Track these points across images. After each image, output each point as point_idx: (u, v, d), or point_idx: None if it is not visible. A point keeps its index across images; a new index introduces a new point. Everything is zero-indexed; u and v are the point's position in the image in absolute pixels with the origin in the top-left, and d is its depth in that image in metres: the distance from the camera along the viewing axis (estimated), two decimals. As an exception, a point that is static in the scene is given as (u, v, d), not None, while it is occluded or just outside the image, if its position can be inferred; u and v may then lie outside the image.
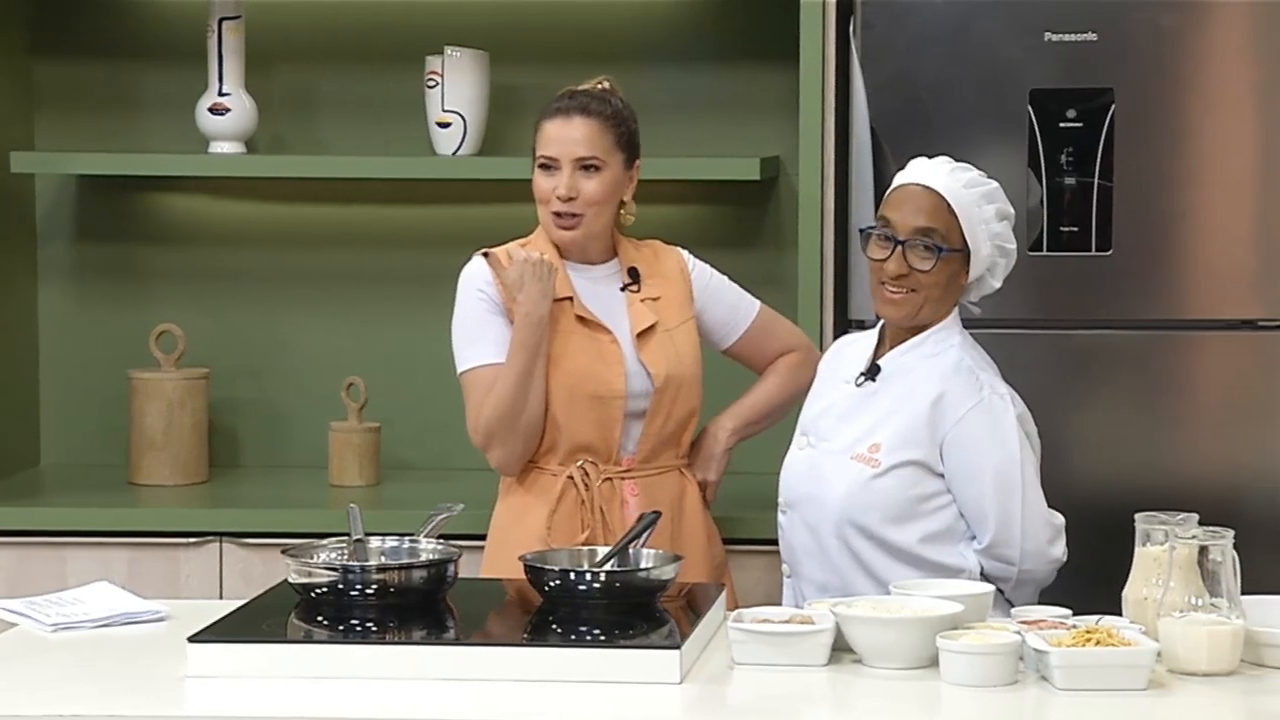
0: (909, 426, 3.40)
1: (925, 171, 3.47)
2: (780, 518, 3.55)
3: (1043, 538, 3.42)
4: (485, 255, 3.61)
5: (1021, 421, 3.43)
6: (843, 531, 3.41)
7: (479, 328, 3.58)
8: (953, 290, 3.46)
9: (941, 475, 3.41)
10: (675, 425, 3.62)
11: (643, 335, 3.59)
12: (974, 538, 3.43)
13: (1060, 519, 3.46)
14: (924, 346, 3.46)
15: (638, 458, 3.60)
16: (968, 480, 3.40)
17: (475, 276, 3.62)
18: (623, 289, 3.64)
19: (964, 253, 3.42)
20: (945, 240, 3.41)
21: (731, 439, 3.74)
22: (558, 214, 3.58)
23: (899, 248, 3.41)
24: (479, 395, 3.57)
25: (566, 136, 3.57)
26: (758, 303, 3.78)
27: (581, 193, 3.57)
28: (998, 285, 3.50)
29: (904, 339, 3.48)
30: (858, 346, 3.57)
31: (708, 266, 3.75)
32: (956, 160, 3.50)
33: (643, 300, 3.62)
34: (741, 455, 3.85)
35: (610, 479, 3.57)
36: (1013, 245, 3.48)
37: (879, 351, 3.51)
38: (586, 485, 3.55)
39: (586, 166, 3.57)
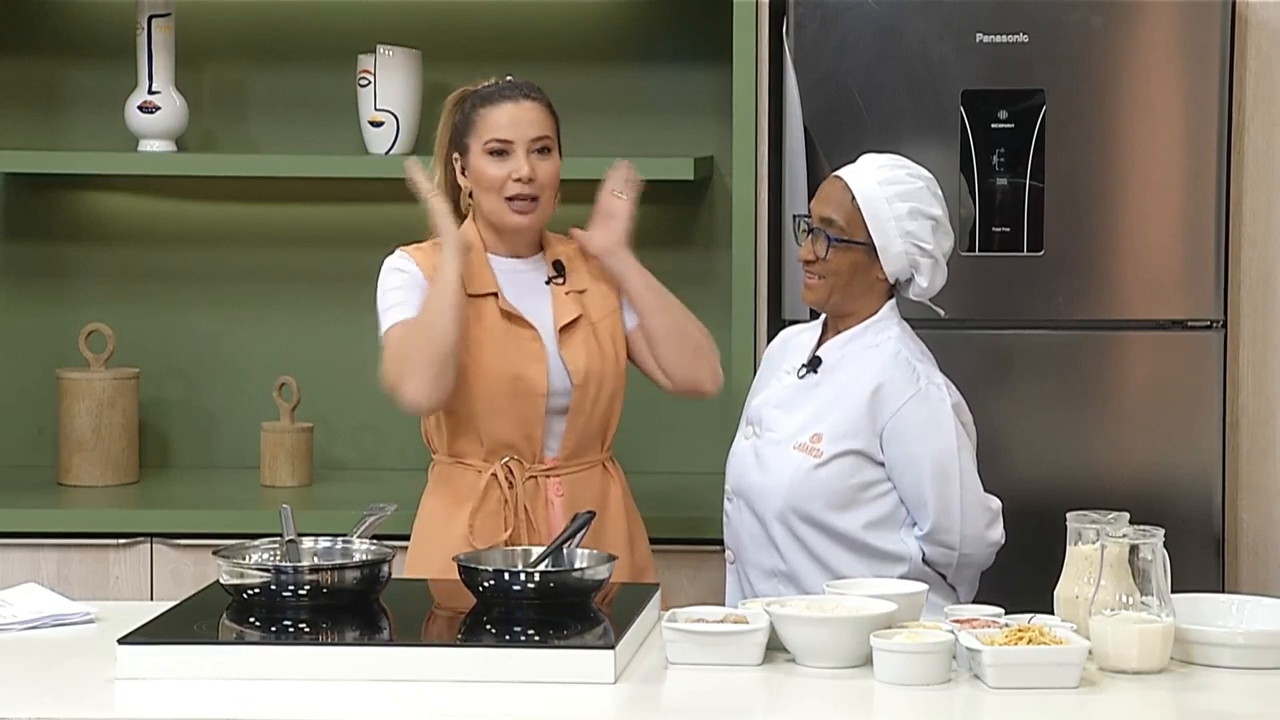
0: (849, 417, 3.47)
1: (853, 165, 3.55)
2: (726, 505, 3.60)
3: (980, 522, 3.49)
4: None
5: (957, 410, 3.50)
6: (787, 519, 3.48)
7: (400, 293, 3.53)
8: (864, 282, 3.50)
9: (881, 464, 3.48)
10: (599, 421, 3.59)
11: (566, 330, 3.56)
12: (914, 524, 3.49)
13: (996, 503, 3.53)
14: (863, 338, 3.52)
15: (561, 455, 3.57)
16: (907, 469, 3.46)
17: (396, 260, 3.60)
18: (548, 282, 3.61)
19: (867, 245, 3.47)
20: (843, 231, 3.48)
21: (625, 256, 3.56)
22: (515, 198, 3.53)
23: (811, 235, 3.50)
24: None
25: (520, 119, 3.53)
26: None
27: (538, 174, 3.53)
28: (926, 285, 3.52)
29: (842, 329, 3.54)
30: (803, 338, 3.63)
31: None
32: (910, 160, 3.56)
33: (567, 294, 3.59)
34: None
35: (535, 477, 3.55)
36: (931, 245, 3.49)
37: (821, 342, 3.57)
38: (510, 484, 3.54)
39: (542, 149, 3.54)
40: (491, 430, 3.54)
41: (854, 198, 3.49)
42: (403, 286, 3.55)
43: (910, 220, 3.48)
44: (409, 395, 3.46)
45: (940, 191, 3.54)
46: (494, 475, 3.53)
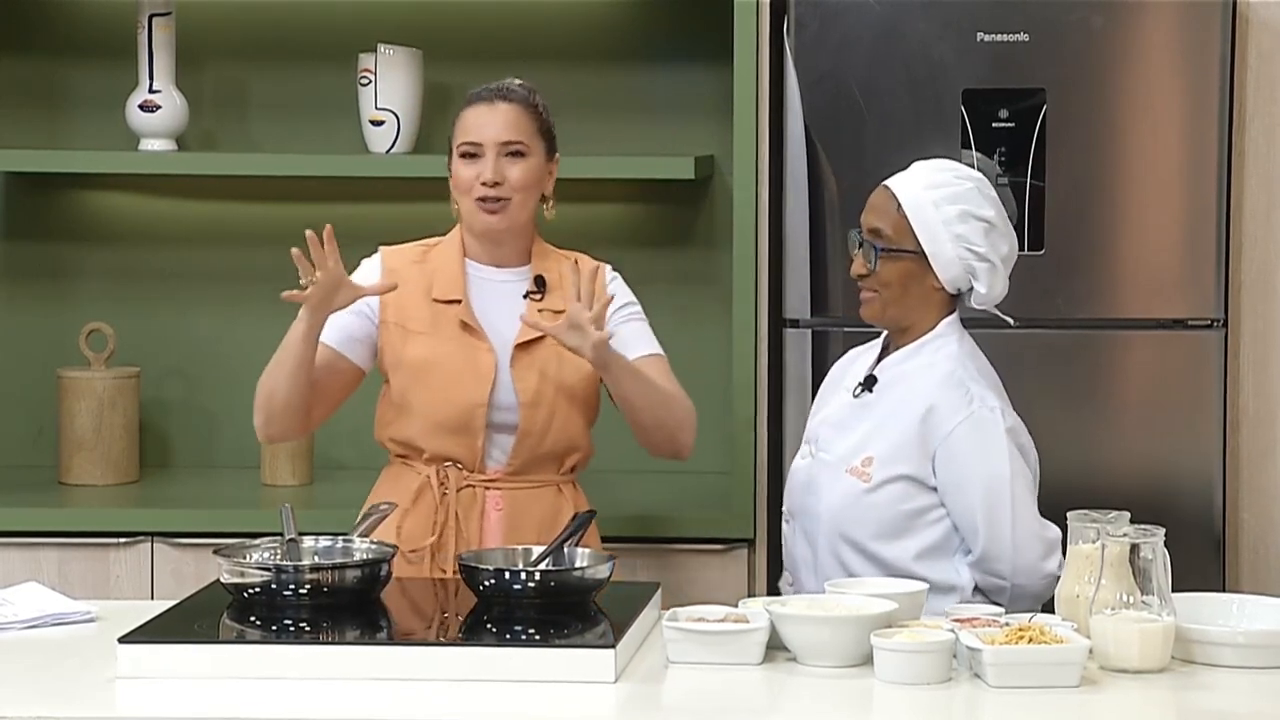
0: (900, 440, 3.35)
1: (903, 172, 3.44)
2: (784, 527, 3.52)
3: (1034, 553, 3.33)
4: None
5: (1014, 434, 3.37)
6: (835, 545, 3.38)
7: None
8: (920, 293, 3.39)
9: (934, 489, 3.35)
10: (554, 443, 3.51)
11: (524, 347, 3.50)
12: (968, 551, 3.37)
13: (1055, 532, 3.35)
14: (919, 355, 3.41)
15: (507, 470, 3.51)
16: (957, 494, 3.34)
17: (366, 262, 3.65)
18: (525, 296, 3.57)
19: (917, 254, 3.37)
20: (891, 240, 3.38)
21: (601, 355, 3.39)
22: (482, 199, 3.51)
23: (862, 248, 3.42)
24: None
25: (490, 121, 3.51)
26: (660, 351, 3.58)
27: (507, 178, 3.50)
28: (985, 291, 3.38)
29: (901, 344, 3.44)
30: (867, 356, 3.51)
31: (629, 293, 3.61)
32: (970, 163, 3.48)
33: (541, 311, 3.52)
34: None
35: (472, 486, 3.51)
36: (984, 248, 3.36)
37: (880, 360, 3.46)
38: (444, 489, 3.51)
39: (512, 152, 3.52)
40: (430, 435, 3.50)
41: (900, 205, 3.38)
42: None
43: (960, 223, 3.35)
44: (260, 432, 3.54)
45: (994, 194, 3.41)
46: (427, 479, 3.50)
